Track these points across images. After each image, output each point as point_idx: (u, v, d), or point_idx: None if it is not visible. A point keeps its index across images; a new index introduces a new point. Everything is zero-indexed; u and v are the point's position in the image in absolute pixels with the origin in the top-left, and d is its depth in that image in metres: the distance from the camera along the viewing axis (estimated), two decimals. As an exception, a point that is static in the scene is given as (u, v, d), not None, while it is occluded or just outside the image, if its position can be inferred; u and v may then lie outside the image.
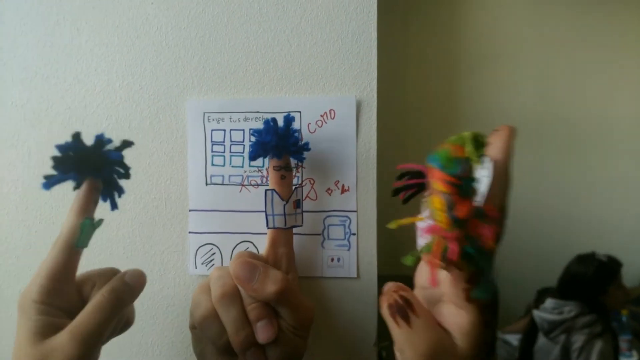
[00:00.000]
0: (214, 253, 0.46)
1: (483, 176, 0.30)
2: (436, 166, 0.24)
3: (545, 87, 1.62)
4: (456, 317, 0.28)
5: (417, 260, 0.28)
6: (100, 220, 0.37)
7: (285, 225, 0.39)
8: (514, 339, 1.57)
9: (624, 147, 1.77)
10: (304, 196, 0.45)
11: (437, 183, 0.24)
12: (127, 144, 0.38)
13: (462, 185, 0.24)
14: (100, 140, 0.36)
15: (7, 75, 0.48)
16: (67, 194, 0.46)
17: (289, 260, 0.39)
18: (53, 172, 0.35)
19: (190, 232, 0.46)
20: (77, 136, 0.35)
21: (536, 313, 1.49)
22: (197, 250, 0.46)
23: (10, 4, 0.47)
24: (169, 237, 0.46)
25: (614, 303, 1.52)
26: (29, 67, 0.47)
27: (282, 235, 0.39)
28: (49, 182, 0.35)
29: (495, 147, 0.29)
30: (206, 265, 0.46)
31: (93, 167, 0.36)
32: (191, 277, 0.46)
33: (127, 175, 0.39)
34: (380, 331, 0.46)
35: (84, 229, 0.35)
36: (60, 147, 0.34)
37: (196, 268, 0.46)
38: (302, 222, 0.42)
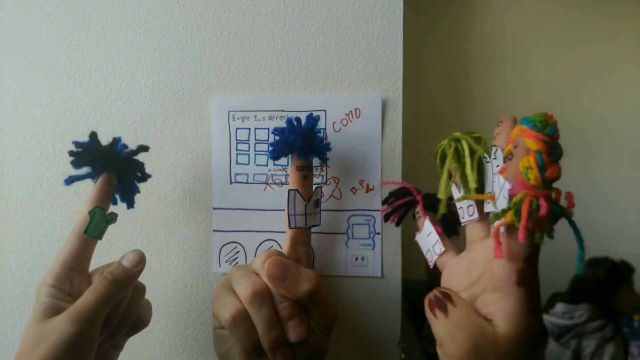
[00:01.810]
0: (238, 251, 0.46)
1: (498, 165, 0.31)
2: (531, 127, 0.26)
3: (560, 90, 1.62)
4: (501, 303, 0.28)
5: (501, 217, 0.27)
6: (114, 215, 0.38)
7: (305, 224, 0.39)
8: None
9: (636, 148, 1.75)
10: (329, 195, 0.45)
11: (532, 142, 0.25)
12: (142, 148, 0.41)
13: (555, 147, 0.26)
14: (115, 140, 0.40)
15: (32, 73, 0.48)
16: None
17: (308, 259, 0.40)
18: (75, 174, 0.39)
19: (214, 231, 0.46)
20: (93, 135, 0.39)
21: (546, 318, 1.48)
22: (221, 249, 0.46)
23: (36, 2, 0.48)
24: (193, 235, 0.46)
25: (624, 307, 1.51)
26: (55, 65, 0.48)
27: (303, 235, 0.39)
28: (70, 179, 0.38)
29: (500, 137, 0.31)
30: (230, 264, 0.46)
31: (107, 164, 0.39)
32: (215, 275, 0.46)
33: (143, 178, 0.42)
34: (403, 332, 0.46)
35: (93, 217, 0.36)
36: (76, 143, 0.38)
37: (220, 266, 0.46)
38: (320, 222, 0.41)
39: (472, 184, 0.32)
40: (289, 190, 0.38)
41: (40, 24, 0.48)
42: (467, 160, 0.33)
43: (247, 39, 0.46)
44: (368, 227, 0.45)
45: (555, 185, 0.27)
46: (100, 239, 0.38)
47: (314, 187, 0.40)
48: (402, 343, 0.46)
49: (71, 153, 0.37)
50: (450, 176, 0.35)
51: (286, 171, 0.45)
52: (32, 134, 0.48)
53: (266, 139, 0.45)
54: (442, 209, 0.36)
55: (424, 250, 0.39)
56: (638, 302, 1.54)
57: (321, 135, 0.40)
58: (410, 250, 0.49)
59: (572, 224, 0.27)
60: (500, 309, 0.28)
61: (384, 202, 0.43)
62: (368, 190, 0.45)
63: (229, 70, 0.46)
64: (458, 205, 0.35)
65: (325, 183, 0.45)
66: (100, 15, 0.47)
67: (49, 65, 0.48)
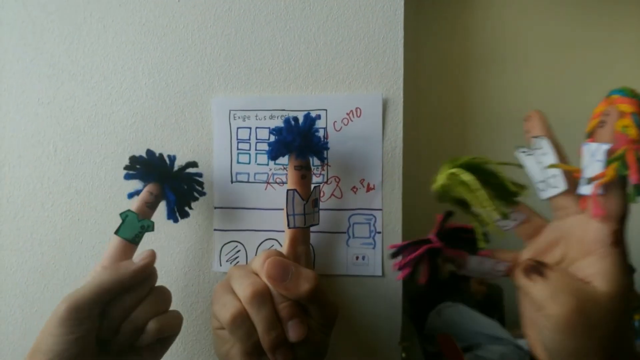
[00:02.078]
0: (239, 250, 0.46)
1: (544, 154, 0.32)
2: (622, 95, 0.29)
3: (561, 90, 1.62)
4: (597, 265, 0.28)
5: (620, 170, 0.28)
6: (150, 223, 0.40)
7: (305, 224, 0.39)
8: (525, 343, 1.56)
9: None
10: (330, 194, 0.45)
11: (626, 105, 0.28)
12: (191, 164, 0.43)
13: None
14: (169, 157, 0.42)
15: (33, 72, 0.48)
16: (92, 192, 0.47)
17: (308, 258, 0.40)
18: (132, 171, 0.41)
19: (215, 230, 0.46)
20: (150, 153, 0.41)
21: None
22: (222, 248, 0.46)
23: (38, 1, 0.48)
24: (194, 235, 0.46)
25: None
26: (56, 64, 0.48)
27: (302, 234, 0.39)
28: (131, 193, 0.42)
29: (536, 129, 0.33)
30: (231, 263, 0.46)
31: (154, 176, 0.41)
32: (216, 274, 0.46)
33: (201, 192, 0.44)
34: (403, 331, 0.46)
35: (125, 219, 0.38)
36: (132, 158, 0.40)
37: (221, 265, 0.46)
38: (319, 221, 0.41)
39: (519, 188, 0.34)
40: (288, 190, 0.38)
41: (42, 23, 0.48)
42: (481, 192, 0.32)
43: (248, 38, 0.46)
44: (369, 226, 0.45)
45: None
46: (136, 243, 0.39)
47: (312, 186, 0.40)
48: (403, 342, 0.46)
49: (126, 167, 0.40)
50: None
51: (287, 170, 0.45)
52: (33, 132, 0.48)
53: (267, 138, 0.45)
54: (481, 243, 0.34)
55: (535, 177, 0.35)
56: (638, 302, 1.54)
57: (319, 134, 0.40)
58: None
59: None
60: (598, 270, 0.28)
61: (393, 255, 0.37)
62: (369, 189, 0.45)
63: (230, 70, 0.46)
64: (538, 179, 0.34)
65: (326, 182, 0.45)
66: (101, 15, 0.47)
67: (50, 64, 0.48)
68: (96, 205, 0.47)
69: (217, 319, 0.34)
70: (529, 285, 0.30)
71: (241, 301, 0.33)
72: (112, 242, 0.38)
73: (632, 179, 0.27)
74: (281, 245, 0.45)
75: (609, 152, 0.28)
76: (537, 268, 0.30)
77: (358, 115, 0.44)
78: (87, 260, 0.48)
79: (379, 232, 0.45)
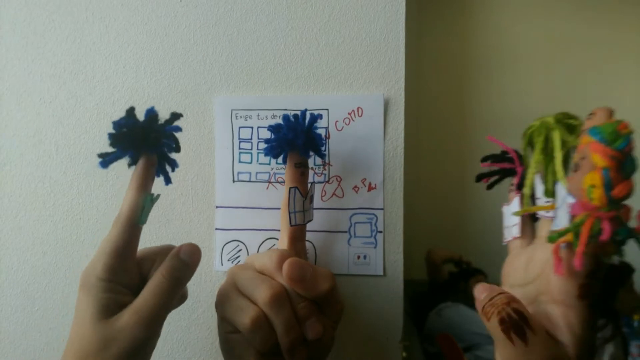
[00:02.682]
0: (240, 250, 0.46)
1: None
2: (598, 140, 0.23)
3: (560, 90, 1.63)
4: (565, 318, 0.27)
5: (558, 239, 0.26)
6: (157, 196, 0.36)
7: (303, 221, 0.39)
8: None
9: (635, 150, 1.76)
10: (331, 193, 0.45)
11: (598, 157, 0.23)
12: (176, 116, 0.37)
13: (626, 162, 0.23)
14: (152, 114, 0.35)
15: (35, 72, 0.48)
16: (94, 190, 0.47)
17: (305, 255, 0.40)
18: (105, 151, 0.34)
19: (216, 229, 0.46)
20: (131, 111, 0.34)
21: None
22: (223, 247, 0.46)
23: (40, 1, 0.48)
24: (196, 234, 0.47)
25: (624, 308, 1.51)
26: (58, 63, 0.48)
27: (300, 231, 0.39)
28: (106, 161, 0.34)
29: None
30: (232, 262, 0.46)
31: (148, 143, 0.35)
32: (217, 274, 0.46)
33: (177, 149, 0.38)
34: (404, 330, 0.46)
35: (146, 205, 0.35)
36: (115, 124, 0.33)
37: (222, 264, 0.46)
38: (313, 217, 0.41)
39: (560, 174, 0.30)
40: (290, 188, 0.38)
41: (44, 22, 0.48)
42: (558, 154, 0.30)
43: (250, 38, 0.46)
44: (370, 226, 0.45)
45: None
46: (145, 223, 0.35)
47: (309, 183, 0.40)
48: (403, 341, 0.46)
49: (112, 136, 0.33)
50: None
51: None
52: (34, 132, 0.48)
53: (269, 137, 0.45)
54: (525, 206, 0.34)
55: (504, 223, 0.37)
56: (638, 302, 1.54)
57: (319, 131, 0.40)
58: (412, 250, 0.49)
59: None
60: (567, 324, 0.27)
61: (483, 160, 0.39)
62: (370, 188, 0.45)
63: (232, 69, 0.46)
64: (537, 196, 0.33)
65: (328, 182, 0.45)
66: (104, 14, 0.47)
67: (52, 64, 0.48)
68: (98, 204, 0.47)
69: (230, 323, 0.33)
70: (504, 343, 0.27)
71: (258, 304, 0.32)
72: (124, 230, 0.34)
73: (575, 263, 0.24)
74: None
75: (572, 214, 0.25)
76: (519, 327, 0.27)
77: (360, 115, 0.45)
78: (88, 260, 0.47)
79: (380, 232, 0.45)
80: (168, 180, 0.39)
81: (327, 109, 0.45)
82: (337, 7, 0.45)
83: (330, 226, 0.45)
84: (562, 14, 1.65)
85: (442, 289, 1.44)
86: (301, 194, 0.38)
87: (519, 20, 1.62)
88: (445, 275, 1.46)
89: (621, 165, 0.23)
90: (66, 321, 0.35)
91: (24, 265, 0.49)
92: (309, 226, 0.40)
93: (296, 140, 0.38)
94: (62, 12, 0.48)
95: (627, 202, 0.23)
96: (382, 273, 0.45)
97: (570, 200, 0.24)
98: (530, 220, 0.35)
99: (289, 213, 0.38)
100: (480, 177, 0.40)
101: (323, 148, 0.42)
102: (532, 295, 0.30)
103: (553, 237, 0.25)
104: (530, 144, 0.34)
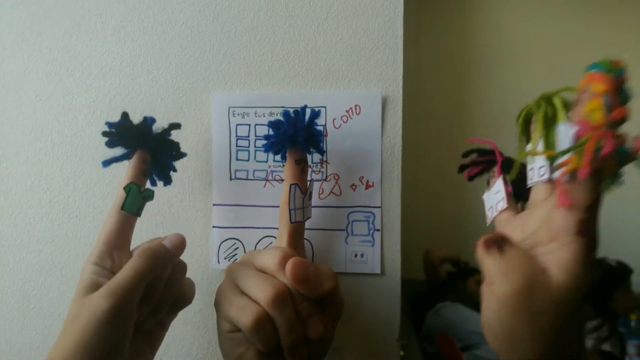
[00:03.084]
0: (237, 248, 0.46)
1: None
2: (599, 70, 0.25)
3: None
4: (558, 252, 0.27)
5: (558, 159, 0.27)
6: (151, 192, 0.39)
7: (303, 218, 0.39)
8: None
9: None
10: (329, 191, 0.45)
11: (599, 84, 0.25)
12: (174, 126, 0.41)
13: (622, 89, 0.25)
14: (146, 118, 0.39)
15: (32, 68, 0.48)
16: (91, 188, 0.46)
17: (303, 252, 0.40)
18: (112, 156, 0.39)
19: (213, 227, 0.46)
20: (125, 115, 0.38)
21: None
22: (220, 245, 0.46)
23: (36, -2, 0.47)
24: (193, 232, 0.46)
25: (621, 308, 1.51)
26: (54, 60, 0.48)
27: (300, 228, 0.39)
28: (107, 161, 0.38)
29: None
30: (229, 260, 0.46)
31: (140, 142, 0.39)
32: (214, 271, 0.46)
33: (177, 156, 0.42)
34: (402, 328, 0.46)
35: (129, 192, 0.37)
36: (109, 124, 0.38)
37: (219, 262, 0.46)
38: (311, 214, 0.41)
39: (562, 117, 0.31)
40: (290, 185, 0.38)
41: (40, 18, 0.48)
42: (561, 113, 0.31)
43: (248, 35, 0.46)
44: (367, 224, 0.45)
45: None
46: (139, 215, 0.38)
47: (308, 180, 0.40)
48: (401, 340, 0.46)
49: (105, 133, 0.37)
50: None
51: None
52: (31, 129, 0.48)
53: (267, 134, 0.45)
54: (513, 174, 0.35)
55: (487, 207, 0.39)
56: (635, 302, 1.54)
57: (319, 128, 0.40)
58: (410, 250, 0.49)
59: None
60: (557, 258, 0.27)
61: (465, 154, 0.42)
62: (368, 186, 0.45)
63: (230, 66, 0.46)
64: (529, 167, 0.35)
65: (325, 179, 0.45)
66: (100, 11, 0.47)
67: (48, 60, 0.48)
68: (94, 202, 0.47)
69: (231, 322, 0.33)
70: (485, 256, 0.29)
71: (260, 303, 0.32)
72: (114, 218, 0.37)
73: (581, 173, 0.25)
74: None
75: (576, 137, 0.26)
76: (497, 242, 0.28)
77: (357, 112, 0.44)
78: (85, 257, 0.47)
79: (378, 230, 0.45)
80: (167, 182, 0.42)
81: (325, 107, 0.45)
82: (335, 4, 0.45)
83: (327, 224, 0.45)
84: (561, 12, 1.65)
85: (441, 289, 1.44)
86: (301, 190, 0.38)
87: (518, 18, 1.62)
88: (443, 275, 1.46)
89: (619, 91, 0.25)
90: (62, 319, 0.35)
91: (20, 263, 0.48)
92: (306, 224, 0.40)
93: (297, 136, 0.37)
94: (59, 8, 0.47)
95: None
96: (379, 271, 0.45)
97: (570, 130, 0.26)
98: (512, 196, 0.37)
99: (289, 210, 0.38)
100: (462, 168, 0.42)
101: (322, 144, 0.42)
102: (531, 245, 0.30)
103: (560, 153, 0.26)
104: (525, 123, 0.35)
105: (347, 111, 0.44)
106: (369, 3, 0.44)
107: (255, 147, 0.45)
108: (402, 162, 0.45)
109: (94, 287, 0.34)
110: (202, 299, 0.46)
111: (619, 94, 0.25)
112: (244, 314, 0.32)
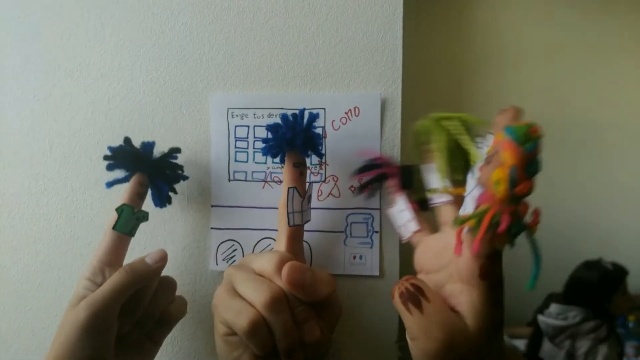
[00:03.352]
0: (236, 249, 0.46)
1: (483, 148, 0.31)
2: (512, 139, 0.25)
3: (557, 90, 1.63)
4: (467, 295, 0.28)
5: (461, 225, 0.28)
6: (145, 213, 0.40)
7: (302, 221, 0.39)
8: (521, 344, 1.57)
9: (631, 151, 1.77)
10: (327, 193, 0.45)
11: (508, 155, 0.24)
12: (174, 150, 0.43)
13: (531, 163, 0.25)
14: (144, 144, 0.42)
15: (30, 68, 0.48)
16: (89, 189, 0.46)
17: (303, 256, 0.40)
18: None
19: (212, 228, 0.46)
20: (127, 140, 0.41)
21: (541, 318, 1.49)
22: (218, 246, 0.46)
23: (35, -2, 0.47)
24: (191, 233, 0.46)
25: (618, 310, 1.51)
26: (52, 60, 0.47)
27: (298, 232, 0.39)
28: (110, 183, 0.41)
29: (500, 126, 0.29)
30: (227, 262, 0.46)
31: (139, 166, 0.41)
32: (212, 273, 0.46)
33: (175, 179, 0.44)
34: (400, 330, 0.46)
35: (121, 214, 0.39)
36: (110, 148, 0.40)
37: (217, 264, 0.46)
38: (311, 217, 0.41)
39: (474, 159, 0.31)
40: (289, 188, 0.38)
41: (38, 18, 0.47)
42: (467, 139, 0.33)
43: (247, 36, 0.45)
44: (366, 226, 0.45)
45: (557, 186, 0.26)
46: (132, 235, 0.40)
47: (307, 183, 0.40)
48: (399, 342, 0.46)
49: (105, 157, 0.40)
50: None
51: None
52: (28, 129, 0.48)
53: (265, 136, 0.45)
54: (419, 195, 0.39)
55: (397, 224, 0.40)
56: (632, 304, 1.55)
57: (317, 131, 0.40)
58: (409, 250, 0.49)
59: (532, 241, 0.27)
60: (467, 301, 0.28)
61: (354, 173, 0.44)
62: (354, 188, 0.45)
63: (229, 67, 0.46)
64: (431, 186, 0.37)
65: (324, 181, 0.45)
66: (99, 11, 0.47)
67: (46, 61, 0.47)
68: (92, 202, 0.47)
69: (227, 326, 0.33)
70: (403, 313, 0.29)
71: (256, 307, 0.32)
72: (108, 237, 0.39)
73: (473, 247, 0.26)
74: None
75: (477, 203, 0.27)
76: (414, 298, 0.29)
77: (356, 114, 0.44)
78: (82, 259, 0.47)
79: (377, 232, 0.45)
80: (160, 204, 0.44)
81: (324, 108, 0.45)
82: (335, 6, 0.45)
83: (326, 226, 0.45)
84: (561, 14, 1.66)
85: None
86: (300, 194, 0.38)
87: (518, 21, 1.62)
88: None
89: (527, 166, 0.25)
90: (59, 321, 0.35)
91: (17, 263, 0.48)
92: (305, 226, 0.40)
93: (295, 140, 0.37)
94: (57, 9, 0.47)
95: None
96: (378, 273, 0.45)
97: (478, 190, 0.27)
98: (420, 212, 0.40)
99: (288, 213, 0.38)
100: (360, 190, 0.43)
101: (321, 147, 0.42)
102: (445, 280, 0.31)
103: (458, 221, 0.27)
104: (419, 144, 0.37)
105: (346, 113, 0.44)
106: (369, 5, 0.44)
107: (254, 148, 0.45)
108: (400, 163, 0.45)
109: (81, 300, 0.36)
110: (200, 301, 0.46)
111: (527, 168, 0.25)
112: (239, 317, 0.32)
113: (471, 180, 0.30)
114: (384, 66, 0.44)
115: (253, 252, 0.46)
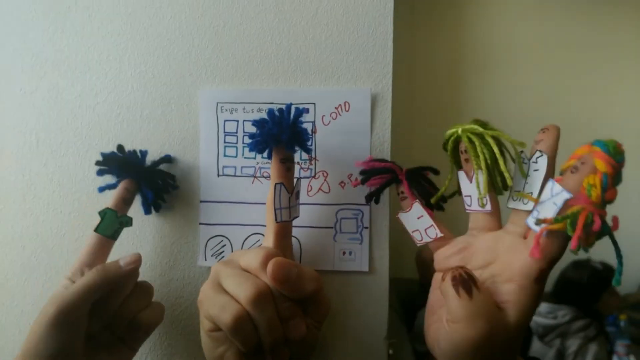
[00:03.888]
0: (224, 245, 0.45)
1: (536, 170, 0.33)
2: (604, 151, 0.28)
3: (552, 90, 1.64)
4: (516, 295, 0.30)
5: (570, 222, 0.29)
6: (129, 218, 0.41)
7: (289, 217, 0.38)
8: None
9: (629, 151, 1.78)
10: (317, 189, 0.45)
11: (602, 163, 0.28)
12: (165, 159, 0.45)
13: (619, 173, 0.28)
14: (136, 151, 0.44)
15: (17, 62, 0.47)
16: (75, 184, 0.46)
17: (291, 251, 0.40)
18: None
19: (200, 224, 0.45)
20: (120, 148, 0.43)
21: (531, 317, 1.49)
22: (207, 242, 0.45)
23: (21, -10, 0.47)
24: (180, 228, 0.46)
25: (607, 310, 1.53)
26: (39, 53, 0.47)
27: (286, 228, 0.38)
28: (102, 187, 0.43)
29: (545, 143, 0.33)
30: (216, 257, 0.45)
31: (128, 173, 0.42)
32: (201, 269, 0.46)
33: (165, 188, 0.45)
34: (389, 327, 0.46)
35: (104, 217, 0.40)
36: (103, 154, 0.42)
37: (206, 260, 0.45)
38: (299, 213, 0.41)
39: (510, 181, 0.34)
40: (275, 184, 0.37)
41: (25, 11, 0.47)
42: (500, 157, 0.34)
43: (237, 31, 0.45)
44: (356, 222, 0.45)
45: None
46: (114, 239, 0.41)
47: (295, 179, 0.39)
48: (389, 338, 0.46)
49: (96, 163, 0.42)
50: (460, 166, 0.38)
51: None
52: (15, 123, 0.47)
53: (255, 131, 0.45)
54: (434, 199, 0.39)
55: (410, 228, 0.40)
56: (620, 303, 1.56)
57: (305, 126, 0.39)
58: (400, 248, 0.48)
59: (615, 244, 0.31)
60: (514, 300, 0.30)
61: (363, 180, 0.42)
62: (356, 184, 0.44)
63: (218, 62, 0.45)
64: (465, 192, 0.37)
65: (314, 177, 0.45)
66: (87, 3, 0.46)
67: (33, 54, 0.47)
68: (79, 197, 0.47)
69: (212, 321, 0.33)
70: (451, 296, 0.31)
71: (241, 302, 0.32)
72: (91, 239, 0.40)
73: (572, 244, 0.28)
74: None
75: (567, 204, 0.29)
76: (467, 283, 0.30)
77: (346, 109, 0.44)
78: (68, 254, 0.47)
79: (366, 228, 0.44)
80: (146, 211, 0.44)
81: (314, 103, 0.44)
82: (325, 0, 0.44)
83: (316, 222, 0.45)
84: (555, 13, 1.66)
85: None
86: (287, 190, 0.38)
87: (511, 17, 1.63)
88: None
89: (616, 175, 0.28)
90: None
91: (3, 259, 0.47)
92: (294, 222, 0.39)
93: (281, 135, 0.37)
94: (45, 1, 0.47)
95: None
96: (367, 269, 0.44)
97: (566, 195, 0.29)
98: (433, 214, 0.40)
99: (275, 209, 0.37)
100: (370, 198, 0.42)
101: (309, 143, 0.42)
102: (484, 278, 0.33)
103: (540, 220, 0.30)
104: (454, 149, 0.38)
105: (336, 108, 0.44)
106: (359, 0, 0.44)
107: (243, 143, 0.45)
108: (391, 159, 0.45)
109: None
110: (188, 297, 0.46)
111: (615, 177, 0.28)
112: (224, 313, 0.31)
113: (547, 190, 0.31)
114: (375, 61, 0.44)
115: (242, 248, 0.45)
